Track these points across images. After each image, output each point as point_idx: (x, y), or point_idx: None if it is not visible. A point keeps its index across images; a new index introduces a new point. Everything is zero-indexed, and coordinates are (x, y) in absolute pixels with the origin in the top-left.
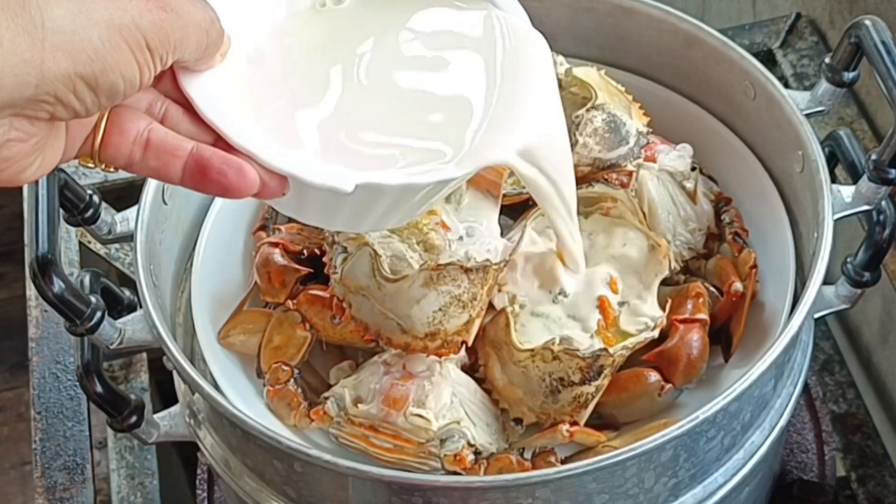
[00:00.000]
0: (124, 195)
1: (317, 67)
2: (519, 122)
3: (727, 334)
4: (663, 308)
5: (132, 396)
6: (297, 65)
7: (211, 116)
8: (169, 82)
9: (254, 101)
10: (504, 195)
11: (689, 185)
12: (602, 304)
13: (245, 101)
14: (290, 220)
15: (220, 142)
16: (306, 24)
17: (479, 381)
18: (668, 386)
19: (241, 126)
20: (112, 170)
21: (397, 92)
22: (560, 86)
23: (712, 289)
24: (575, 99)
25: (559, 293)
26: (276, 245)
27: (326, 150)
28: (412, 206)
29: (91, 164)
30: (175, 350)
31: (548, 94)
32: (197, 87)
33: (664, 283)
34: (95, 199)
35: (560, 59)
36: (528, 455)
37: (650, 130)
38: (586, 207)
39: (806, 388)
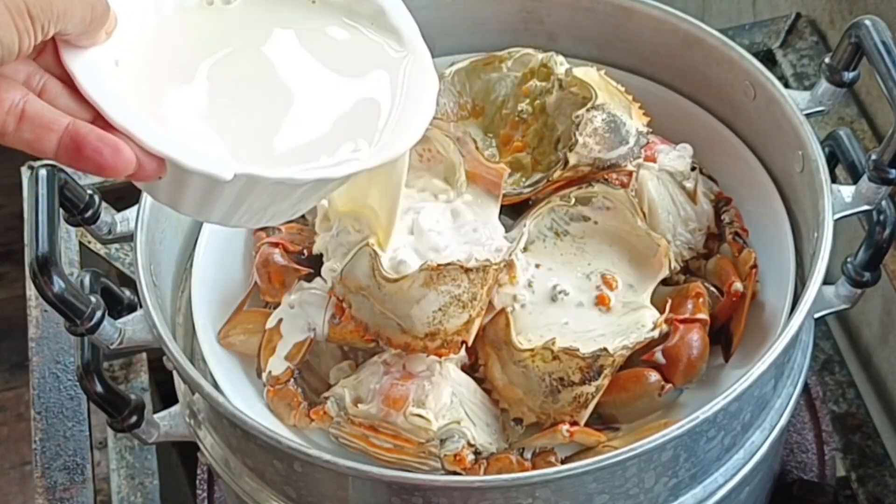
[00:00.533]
0: (124, 195)
1: (202, 60)
2: (400, 139)
3: (727, 334)
4: (663, 308)
5: (132, 396)
6: (183, 55)
7: (91, 92)
8: (50, 56)
9: (137, 85)
10: (504, 195)
11: (689, 185)
12: (601, 302)
13: (128, 84)
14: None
15: (99, 120)
16: (195, 19)
17: (479, 381)
18: (668, 386)
19: (122, 106)
20: None
21: (283, 91)
22: (560, 86)
23: (712, 289)
24: (575, 99)
25: (559, 292)
26: (276, 245)
27: (206, 140)
28: (290, 204)
29: None
30: (175, 350)
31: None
32: (79, 63)
33: (664, 283)
34: (95, 199)
35: (560, 59)
36: (528, 455)
37: (650, 130)
38: (583, 206)
39: (806, 388)
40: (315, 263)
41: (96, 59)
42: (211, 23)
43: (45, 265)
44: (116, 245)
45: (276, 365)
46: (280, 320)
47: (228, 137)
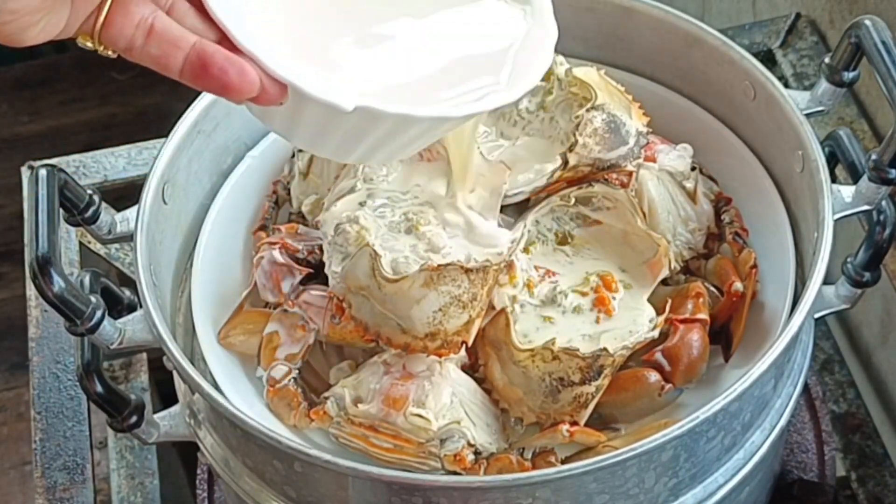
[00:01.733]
0: (124, 195)
1: None
2: (516, 86)
3: (727, 334)
4: (663, 308)
5: (132, 396)
6: None
7: (218, 13)
8: None
9: (263, 11)
10: (504, 195)
11: (689, 185)
12: (601, 303)
13: (254, 9)
14: (290, 220)
15: (225, 42)
16: None
17: (479, 381)
18: (668, 386)
19: (250, 30)
20: (110, 53)
21: (407, 29)
22: (560, 85)
23: (712, 289)
24: (575, 99)
25: (559, 292)
26: (275, 245)
27: (329, 70)
28: (405, 142)
29: (90, 44)
30: (175, 350)
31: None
32: None
33: (664, 283)
34: (95, 199)
35: (560, 59)
36: (528, 455)
37: (650, 130)
38: (583, 206)
39: (806, 388)
40: (315, 264)
41: None
42: None
43: (45, 265)
44: (116, 245)
45: (276, 365)
46: (279, 322)
47: (351, 70)
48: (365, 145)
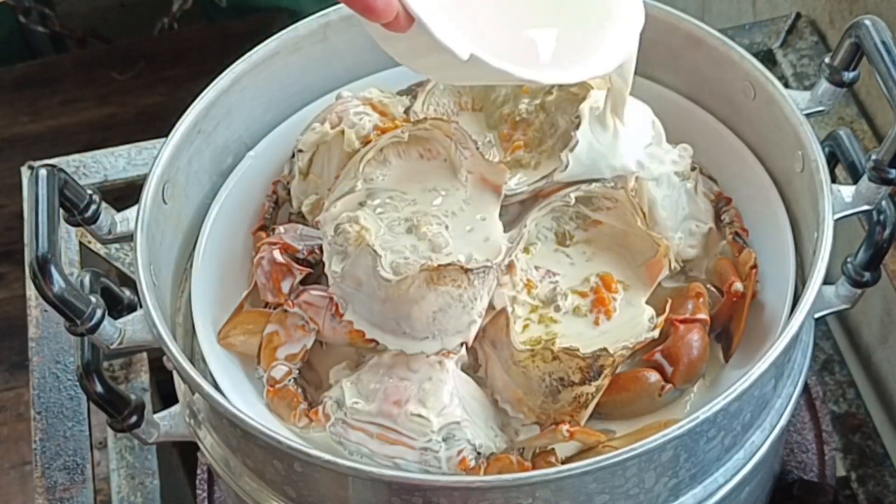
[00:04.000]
0: (124, 195)
1: None
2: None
3: (727, 334)
4: (663, 308)
5: (132, 396)
6: None
7: None
8: None
9: None
10: (504, 195)
11: (689, 185)
12: (601, 303)
13: None
14: (290, 220)
15: None
16: None
17: (479, 382)
18: (668, 386)
19: None
20: None
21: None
22: (560, 86)
23: (712, 289)
24: (575, 98)
25: (559, 293)
26: (275, 245)
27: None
28: (486, 80)
29: None
30: (175, 350)
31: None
32: None
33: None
34: (95, 199)
35: None
36: (528, 455)
37: (650, 131)
38: (583, 206)
39: (806, 388)
40: (315, 264)
41: None
42: None
43: (45, 265)
44: (116, 245)
45: (277, 365)
46: (279, 322)
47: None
48: (452, 73)
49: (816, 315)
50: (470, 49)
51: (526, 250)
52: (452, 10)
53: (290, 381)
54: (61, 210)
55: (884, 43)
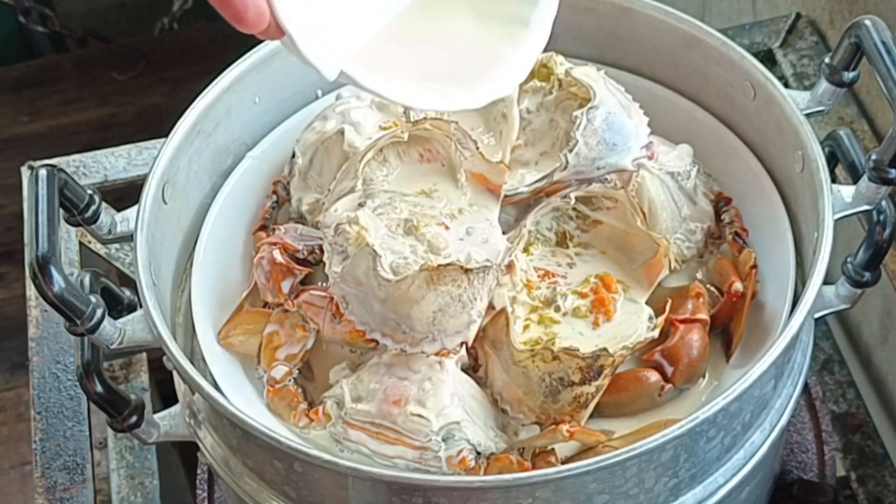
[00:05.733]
0: (124, 195)
1: None
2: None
3: (727, 334)
4: (663, 308)
5: (132, 396)
6: None
7: None
8: None
9: None
10: (504, 195)
11: (689, 185)
12: (601, 304)
13: None
14: (290, 220)
15: None
16: None
17: (479, 381)
18: (668, 386)
19: None
20: None
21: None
22: (560, 86)
23: (712, 289)
24: (575, 99)
25: (559, 293)
26: (275, 245)
27: (326, 28)
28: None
29: None
30: (175, 350)
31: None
32: None
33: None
34: (95, 199)
35: (560, 58)
36: (528, 455)
37: (650, 130)
38: (583, 206)
39: (806, 388)
40: (314, 263)
41: None
42: None
43: (45, 265)
44: (116, 245)
45: (277, 365)
46: (279, 322)
47: (349, 35)
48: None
49: (816, 315)
50: (341, 66)
51: (526, 250)
52: (352, 24)
53: (290, 381)
54: (61, 210)
55: (884, 43)
